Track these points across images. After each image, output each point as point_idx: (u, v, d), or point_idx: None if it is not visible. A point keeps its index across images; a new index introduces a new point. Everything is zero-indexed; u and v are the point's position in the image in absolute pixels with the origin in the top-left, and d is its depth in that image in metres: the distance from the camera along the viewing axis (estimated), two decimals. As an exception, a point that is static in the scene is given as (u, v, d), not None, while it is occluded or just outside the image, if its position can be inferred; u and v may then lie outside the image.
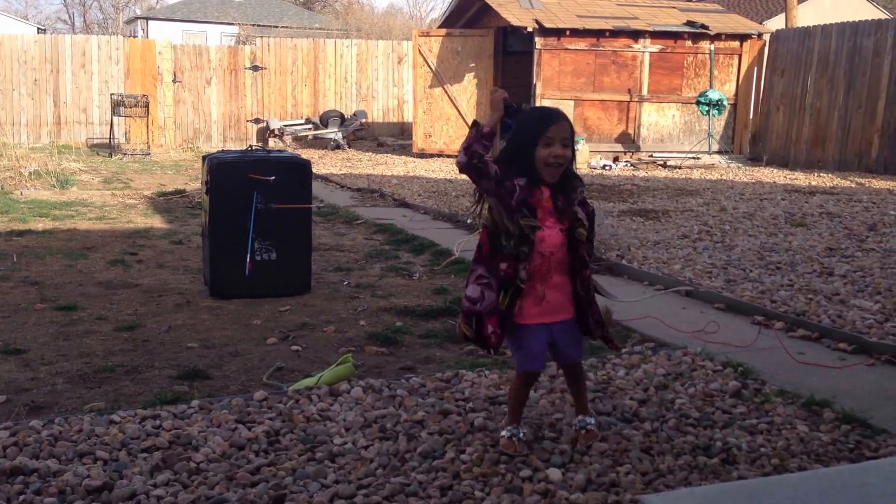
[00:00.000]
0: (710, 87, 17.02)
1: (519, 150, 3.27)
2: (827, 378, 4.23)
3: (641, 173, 15.09)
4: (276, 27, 38.33)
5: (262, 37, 24.18)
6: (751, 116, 17.64)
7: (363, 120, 21.16)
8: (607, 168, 15.76)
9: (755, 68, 17.60)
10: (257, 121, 20.93)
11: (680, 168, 15.94)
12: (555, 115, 3.34)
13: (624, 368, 4.40)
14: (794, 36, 17.30)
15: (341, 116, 20.63)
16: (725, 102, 16.90)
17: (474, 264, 3.33)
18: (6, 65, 19.42)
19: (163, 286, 6.37)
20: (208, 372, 4.44)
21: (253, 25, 38.13)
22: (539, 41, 16.61)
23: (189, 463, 3.26)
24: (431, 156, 17.89)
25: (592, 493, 3.02)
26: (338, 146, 19.87)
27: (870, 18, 17.54)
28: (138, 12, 50.15)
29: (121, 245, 7.93)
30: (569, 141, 3.25)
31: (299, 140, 20.54)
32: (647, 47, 17.04)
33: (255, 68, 21.07)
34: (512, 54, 18.37)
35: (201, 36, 39.32)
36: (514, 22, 16.48)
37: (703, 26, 17.05)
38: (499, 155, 3.32)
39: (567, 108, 16.93)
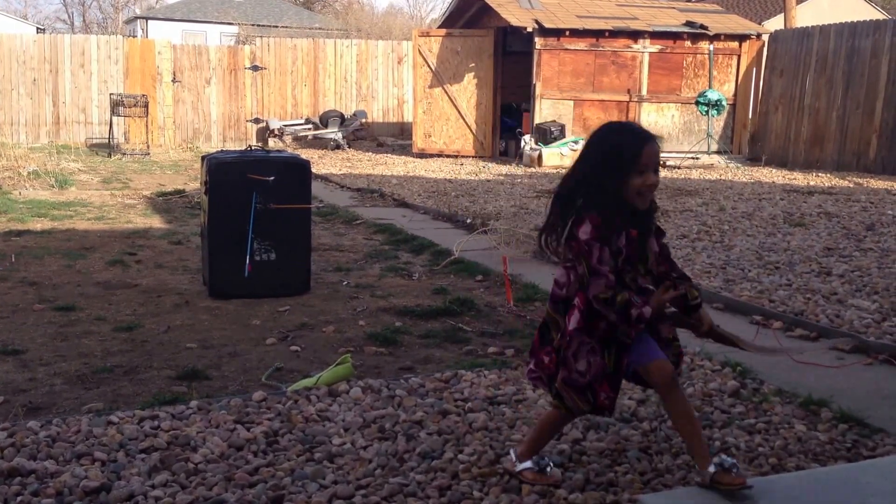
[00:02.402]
0: (710, 87, 17.03)
1: (607, 179, 2.85)
2: (825, 377, 4.23)
3: (641, 173, 15.07)
4: (276, 27, 38.32)
5: (261, 37, 24.18)
6: (750, 116, 17.65)
7: (363, 120, 21.16)
8: (606, 168, 15.75)
9: (754, 68, 17.60)
10: (257, 121, 20.93)
11: (679, 168, 15.94)
12: (647, 135, 2.91)
13: (622, 368, 4.40)
14: (792, 36, 17.31)
15: (341, 116, 20.63)
16: (724, 103, 16.90)
17: (578, 335, 2.91)
18: (5, 64, 19.41)
19: (162, 286, 6.37)
20: (207, 372, 4.44)
21: (253, 25, 38.11)
22: (539, 41, 16.62)
23: (187, 464, 3.27)
24: (431, 156, 17.89)
25: (591, 493, 3.02)
26: (338, 146, 19.87)
27: (868, 19, 17.55)
28: (138, 12, 50.14)
29: (120, 245, 7.93)
30: (659, 164, 2.90)
31: (299, 140, 20.55)
32: (646, 47, 17.04)
33: (254, 68, 21.06)
34: (511, 54, 18.37)
35: (201, 36, 39.31)
36: (514, 22, 16.48)
37: (703, 27, 17.05)
38: (571, 182, 2.92)
39: (566, 108, 16.95)
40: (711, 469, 2.82)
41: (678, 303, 3.04)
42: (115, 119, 18.20)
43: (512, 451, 3.21)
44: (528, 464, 3.11)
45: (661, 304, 2.91)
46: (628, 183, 2.82)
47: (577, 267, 2.87)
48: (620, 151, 2.83)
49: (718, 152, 17.12)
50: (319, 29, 38.58)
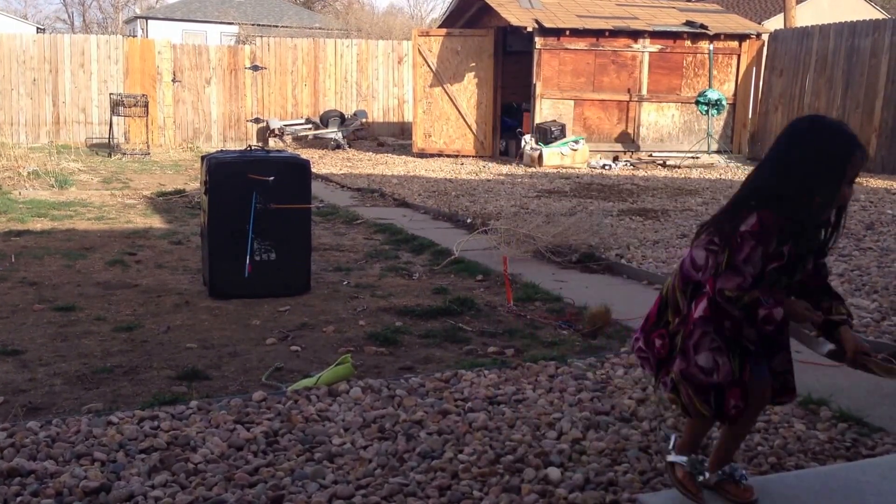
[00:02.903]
0: (710, 86, 17.02)
1: (803, 184, 2.53)
2: (824, 377, 4.23)
3: (641, 173, 15.09)
4: (276, 27, 38.32)
5: (262, 36, 24.17)
6: (750, 116, 17.65)
7: (363, 120, 21.16)
8: (607, 168, 15.76)
9: (754, 68, 17.60)
10: (257, 120, 20.93)
11: (679, 167, 15.94)
12: (857, 142, 2.57)
13: (622, 368, 4.41)
14: (792, 36, 17.31)
15: (341, 116, 20.62)
16: (724, 102, 16.89)
17: (702, 324, 2.67)
18: (5, 64, 19.40)
19: (162, 286, 6.37)
20: (207, 372, 4.44)
21: (253, 25, 38.10)
22: (539, 41, 16.61)
23: (187, 464, 3.27)
24: (431, 155, 17.89)
25: (591, 493, 3.02)
26: (338, 146, 19.86)
27: (867, 18, 17.55)
28: (138, 12, 50.12)
29: (120, 245, 7.93)
30: (857, 174, 2.59)
31: (299, 140, 20.54)
32: (646, 47, 17.04)
33: (255, 68, 21.06)
34: (512, 54, 18.37)
35: (201, 35, 39.29)
36: (514, 22, 16.48)
37: (703, 26, 17.05)
38: (760, 179, 2.63)
39: (567, 107, 16.94)
40: (715, 477, 2.81)
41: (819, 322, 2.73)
42: (115, 119, 18.19)
43: (673, 436, 2.99)
44: (682, 458, 2.86)
45: (794, 311, 2.61)
46: (827, 192, 2.53)
47: (719, 254, 2.62)
48: (830, 157, 2.52)
49: (718, 152, 17.11)
50: (320, 29, 38.55)
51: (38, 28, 45.36)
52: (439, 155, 17.90)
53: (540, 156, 15.94)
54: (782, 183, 2.55)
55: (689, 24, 17.24)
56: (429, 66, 18.14)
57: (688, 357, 2.66)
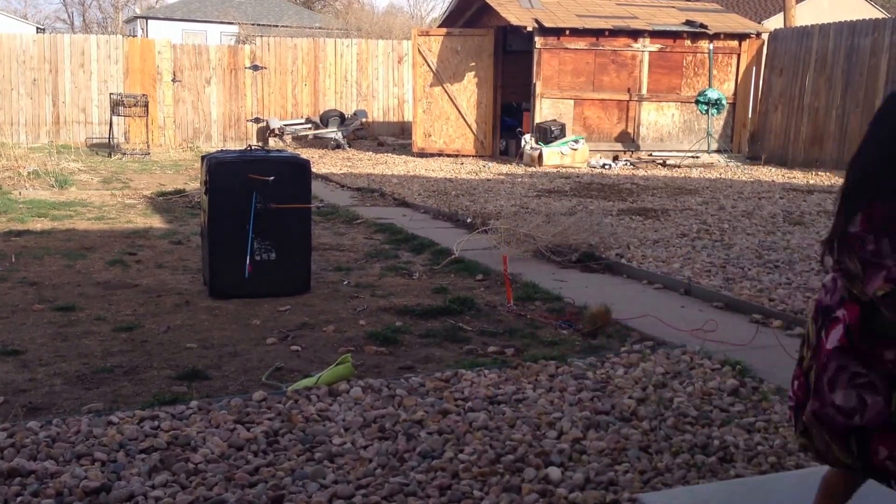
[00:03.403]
0: (710, 86, 17.02)
1: None
2: (825, 377, 4.24)
3: (641, 172, 15.09)
4: (276, 26, 38.31)
5: (261, 36, 24.16)
6: (749, 115, 17.65)
7: (363, 119, 21.15)
8: (607, 167, 15.76)
9: (754, 68, 17.59)
10: (257, 120, 20.92)
11: (679, 167, 15.94)
12: None
13: (623, 367, 4.41)
14: (792, 35, 17.31)
15: (341, 116, 20.62)
16: (724, 101, 16.89)
17: (837, 356, 2.27)
18: (5, 64, 19.40)
19: (162, 286, 6.37)
20: (207, 372, 4.44)
21: (253, 25, 38.08)
22: (539, 40, 16.61)
23: (187, 464, 3.27)
24: (431, 155, 17.89)
25: (591, 492, 3.02)
26: (338, 146, 19.86)
27: (867, 18, 17.55)
28: (138, 11, 50.10)
29: (120, 245, 7.93)
30: None
31: (299, 139, 20.54)
32: (646, 47, 17.04)
33: (255, 68, 21.05)
34: (512, 53, 18.36)
35: (201, 35, 39.29)
36: (514, 21, 16.48)
37: (703, 26, 17.05)
38: (858, 171, 2.30)
39: (567, 107, 16.94)
40: None
41: None
42: (115, 119, 18.18)
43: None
44: None
45: None
46: None
47: (848, 266, 2.23)
48: None
49: (718, 151, 17.11)
50: (320, 28, 38.54)
51: (37, 28, 45.34)
52: (439, 154, 17.89)
53: (540, 155, 15.94)
54: (887, 168, 2.23)
55: (688, 23, 17.23)
56: (429, 65, 18.14)
57: (822, 395, 2.29)
